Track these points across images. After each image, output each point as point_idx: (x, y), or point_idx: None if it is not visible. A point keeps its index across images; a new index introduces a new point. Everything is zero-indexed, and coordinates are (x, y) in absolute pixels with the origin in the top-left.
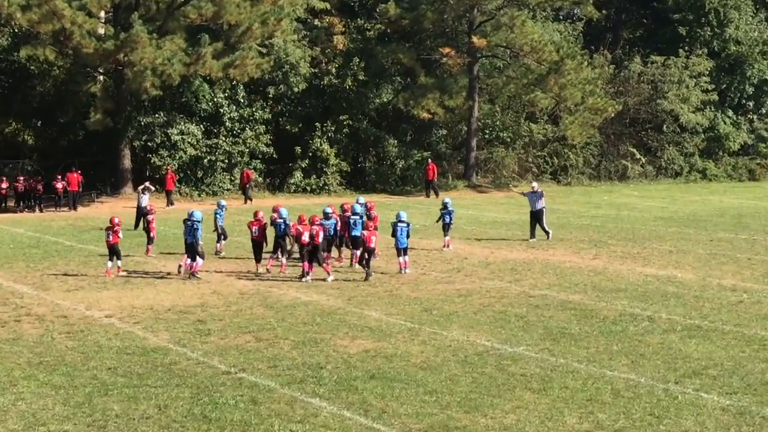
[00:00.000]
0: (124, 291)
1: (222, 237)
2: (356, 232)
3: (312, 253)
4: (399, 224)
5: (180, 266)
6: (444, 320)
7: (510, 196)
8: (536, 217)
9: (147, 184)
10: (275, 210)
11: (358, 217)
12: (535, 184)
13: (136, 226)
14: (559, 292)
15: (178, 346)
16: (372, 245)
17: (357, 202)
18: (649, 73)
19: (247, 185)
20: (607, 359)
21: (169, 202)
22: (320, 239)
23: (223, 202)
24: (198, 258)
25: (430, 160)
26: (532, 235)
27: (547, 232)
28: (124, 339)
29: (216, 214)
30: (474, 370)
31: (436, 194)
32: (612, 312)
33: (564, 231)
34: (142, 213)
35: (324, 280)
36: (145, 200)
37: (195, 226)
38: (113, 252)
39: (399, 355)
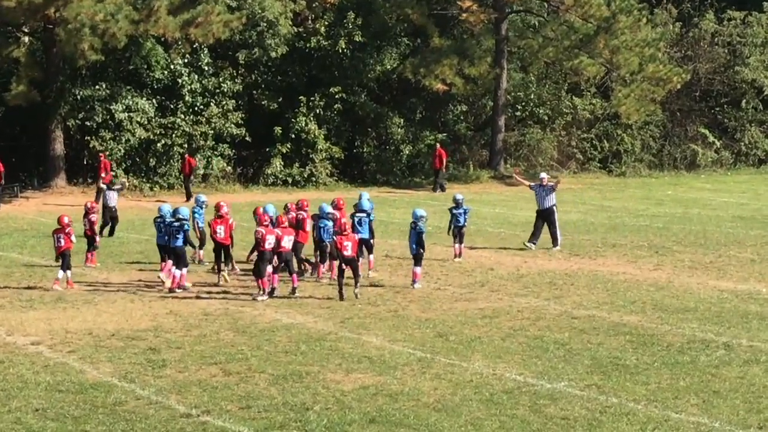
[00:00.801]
0: (56, 311)
1: (202, 243)
2: (364, 234)
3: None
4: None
5: (162, 280)
6: (464, 348)
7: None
8: (544, 218)
9: (120, 179)
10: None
11: (363, 215)
12: (544, 174)
13: (102, 230)
14: (611, 313)
15: (125, 381)
16: (348, 252)
17: (360, 198)
18: (725, 32)
19: (190, 176)
20: (671, 398)
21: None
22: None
23: (203, 197)
24: (183, 267)
25: (438, 145)
26: (533, 239)
27: (556, 239)
28: (55, 372)
29: (194, 212)
30: (502, 412)
31: (442, 189)
32: (678, 338)
33: (617, 234)
34: (111, 215)
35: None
36: (114, 199)
37: (185, 226)
38: (64, 260)
39: (406, 393)
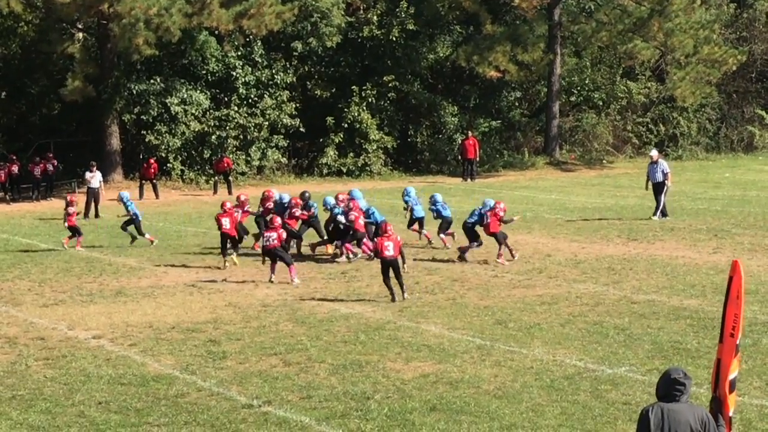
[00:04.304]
0: (116, 305)
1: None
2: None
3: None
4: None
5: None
6: (523, 335)
7: (604, 174)
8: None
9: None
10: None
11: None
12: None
13: None
14: (671, 297)
15: (186, 373)
16: (389, 253)
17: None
18: None
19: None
20: None
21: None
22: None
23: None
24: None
25: (470, 134)
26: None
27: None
28: (117, 365)
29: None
30: (563, 398)
31: (472, 178)
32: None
33: (674, 218)
34: None
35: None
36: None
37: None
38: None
39: (466, 381)
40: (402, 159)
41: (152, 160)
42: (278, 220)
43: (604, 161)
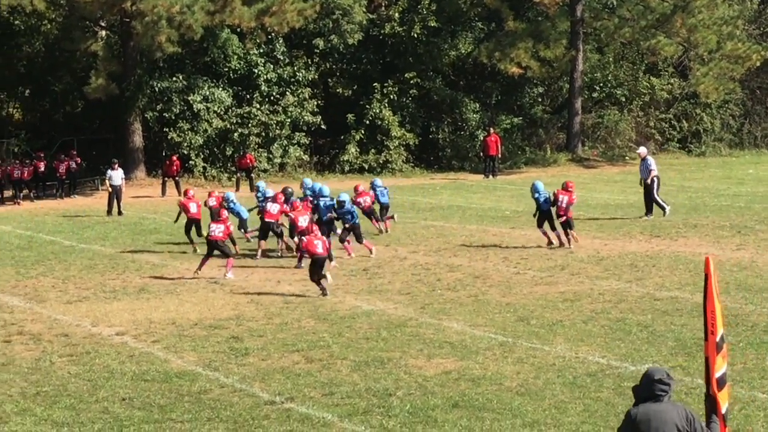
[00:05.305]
0: (139, 302)
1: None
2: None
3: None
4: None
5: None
6: (545, 332)
7: (627, 171)
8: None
9: None
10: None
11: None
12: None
13: None
14: (694, 293)
15: (209, 369)
16: (319, 250)
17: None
18: None
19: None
20: (758, 378)
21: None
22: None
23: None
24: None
25: (492, 130)
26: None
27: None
28: (140, 362)
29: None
30: (586, 395)
31: (494, 174)
32: (763, 317)
33: (698, 215)
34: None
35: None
36: None
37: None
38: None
39: (488, 378)
40: (424, 156)
41: (174, 158)
42: (225, 214)
43: (626, 158)
